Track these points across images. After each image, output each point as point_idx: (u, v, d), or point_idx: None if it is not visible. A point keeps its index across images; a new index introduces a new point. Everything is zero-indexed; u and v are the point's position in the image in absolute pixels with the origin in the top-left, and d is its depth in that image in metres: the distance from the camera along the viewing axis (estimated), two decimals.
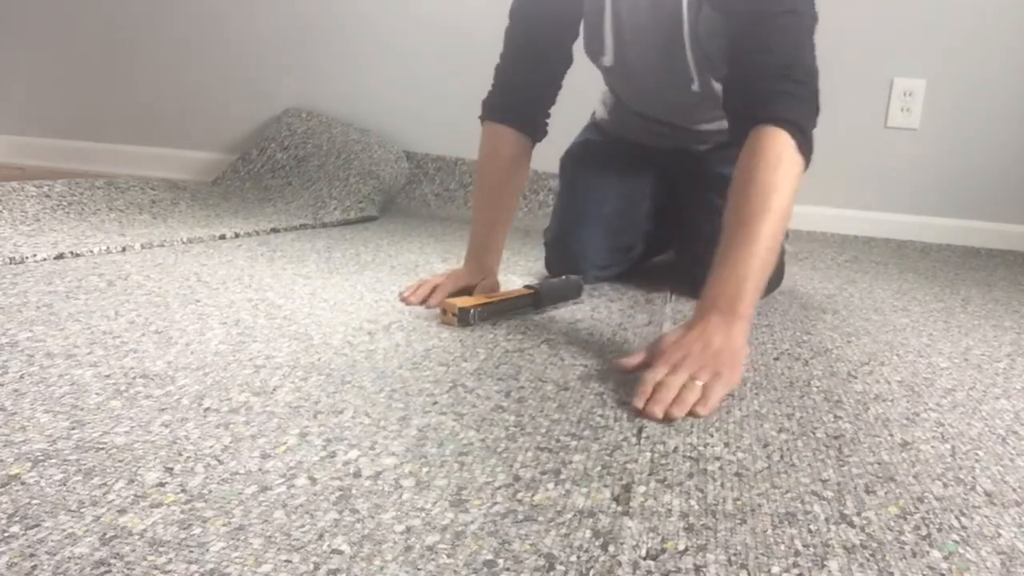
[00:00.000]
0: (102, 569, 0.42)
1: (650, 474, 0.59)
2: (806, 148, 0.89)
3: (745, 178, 0.87)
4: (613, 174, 1.36)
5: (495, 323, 1.00)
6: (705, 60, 1.14)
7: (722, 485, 0.58)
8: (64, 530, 0.46)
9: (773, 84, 0.91)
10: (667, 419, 0.71)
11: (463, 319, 0.98)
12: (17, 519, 0.47)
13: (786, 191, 0.86)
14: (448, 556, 0.46)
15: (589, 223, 1.32)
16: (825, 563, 0.48)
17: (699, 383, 0.75)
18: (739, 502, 0.55)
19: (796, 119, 0.89)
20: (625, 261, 1.37)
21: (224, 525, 0.48)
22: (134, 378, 0.72)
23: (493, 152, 1.19)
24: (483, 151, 1.20)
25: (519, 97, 1.19)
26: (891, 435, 0.70)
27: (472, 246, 1.20)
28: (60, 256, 1.22)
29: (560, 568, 0.45)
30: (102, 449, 0.57)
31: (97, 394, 0.67)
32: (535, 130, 1.20)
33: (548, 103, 1.21)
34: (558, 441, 0.64)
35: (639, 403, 0.73)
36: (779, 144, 0.87)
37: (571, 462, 0.60)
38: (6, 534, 0.45)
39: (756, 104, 0.91)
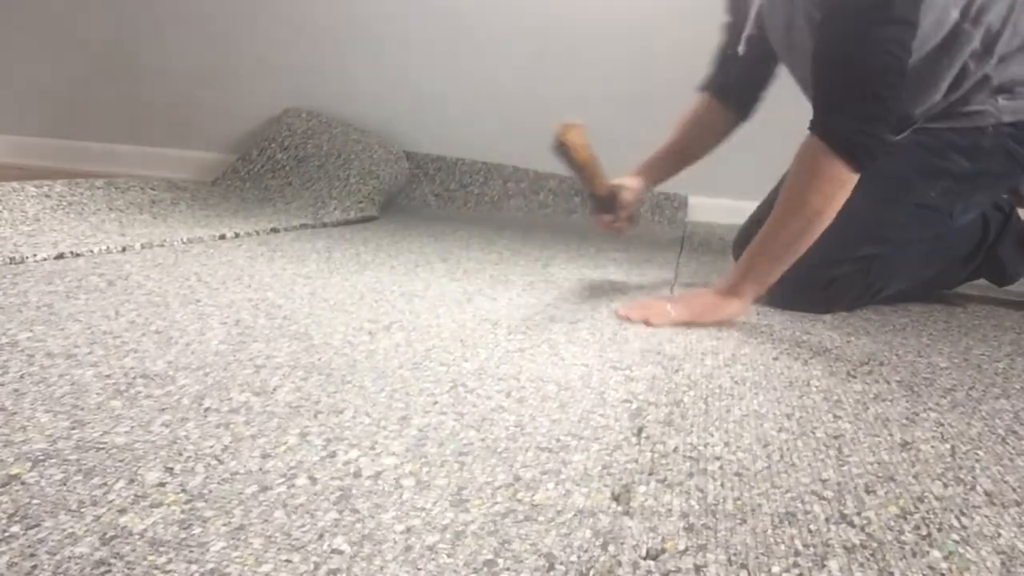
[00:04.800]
0: (102, 569, 0.43)
1: (650, 474, 0.59)
2: (853, 161, 0.97)
3: (786, 185, 1.02)
4: None
5: (494, 323, 1.00)
6: None
7: (722, 485, 0.58)
8: (64, 530, 0.46)
9: (845, 96, 0.98)
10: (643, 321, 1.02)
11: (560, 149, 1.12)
12: (17, 519, 0.47)
13: (815, 202, 0.99)
14: (448, 556, 0.46)
15: None
16: (825, 563, 0.48)
17: (668, 305, 1.05)
18: (739, 502, 0.55)
19: (851, 136, 0.97)
20: None
21: (224, 525, 0.48)
22: (134, 378, 0.72)
23: (698, 111, 1.34)
24: (691, 110, 1.35)
25: (731, 79, 1.30)
26: (891, 435, 0.70)
27: (649, 158, 1.34)
28: (60, 256, 1.22)
29: (560, 568, 0.46)
30: (102, 449, 0.57)
31: (97, 394, 0.68)
32: (739, 108, 1.33)
33: (761, 86, 1.32)
34: (558, 441, 0.64)
35: (621, 312, 1.05)
36: (821, 160, 0.98)
37: (571, 462, 0.60)
38: (6, 534, 0.45)
39: (827, 115, 1.00)
